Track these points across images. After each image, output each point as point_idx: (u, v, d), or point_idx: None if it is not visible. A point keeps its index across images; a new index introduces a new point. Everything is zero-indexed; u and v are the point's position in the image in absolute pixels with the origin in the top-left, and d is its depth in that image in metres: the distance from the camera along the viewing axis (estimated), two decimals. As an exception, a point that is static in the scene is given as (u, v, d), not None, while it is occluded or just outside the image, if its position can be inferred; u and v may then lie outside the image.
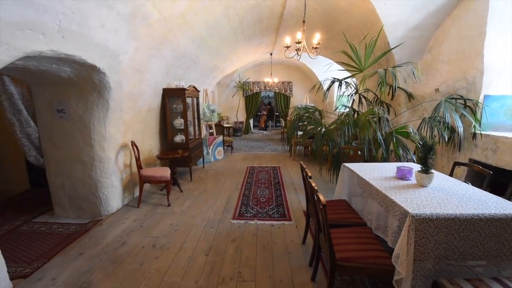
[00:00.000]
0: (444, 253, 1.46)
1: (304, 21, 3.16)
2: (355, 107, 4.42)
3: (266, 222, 2.98)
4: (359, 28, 4.19)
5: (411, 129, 3.09)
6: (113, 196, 3.22)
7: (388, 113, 4.37)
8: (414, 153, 3.35)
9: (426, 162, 1.80)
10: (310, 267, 2.13)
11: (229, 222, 3.00)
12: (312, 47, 3.16)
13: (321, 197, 1.53)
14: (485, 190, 1.88)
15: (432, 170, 1.89)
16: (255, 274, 2.09)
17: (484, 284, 1.35)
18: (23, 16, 1.63)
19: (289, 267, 2.18)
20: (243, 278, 2.05)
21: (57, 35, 1.91)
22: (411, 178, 2.00)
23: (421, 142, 1.86)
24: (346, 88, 4.44)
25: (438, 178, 2.07)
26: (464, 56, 3.44)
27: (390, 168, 2.34)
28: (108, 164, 3.12)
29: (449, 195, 1.70)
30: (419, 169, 1.89)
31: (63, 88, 2.78)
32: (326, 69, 5.61)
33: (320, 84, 4.83)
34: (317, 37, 3.05)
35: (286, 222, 2.97)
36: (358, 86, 4.03)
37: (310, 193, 1.94)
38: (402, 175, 2.04)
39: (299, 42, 2.99)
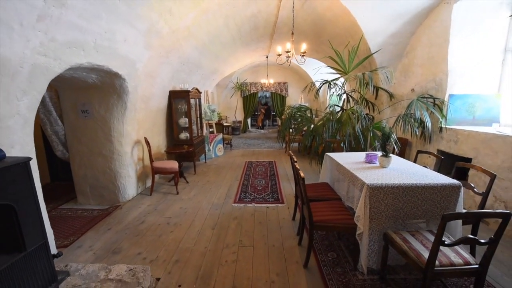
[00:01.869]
0: (393, 213, 1.97)
1: (292, 33, 3.67)
2: (345, 105, 4.93)
3: (262, 205, 3.48)
4: (344, 36, 4.70)
5: (384, 124, 3.60)
6: (129, 185, 3.71)
7: (373, 111, 4.90)
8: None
9: (385, 148, 2.31)
10: (298, 236, 2.63)
11: (230, 205, 3.50)
12: (300, 54, 3.66)
13: (301, 173, 2.04)
14: (438, 171, 2.39)
15: (391, 155, 2.39)
16: (253, 241, 2.59)
17: (419, 234, 1.85)
18: (72, 37, 2.12)
19: (281, 236, 2.69)
20: (243, 244, 2.55)
21: (93, 50, 2.40)
22: (376, 162, 2.51)
23: (381, 133, 2.37)
24: (334, 88, 4.95)
25: (398, 161, 2.58)
26: (433, 60, 3.97)
27: (362, 155, 2.84)
28: (125, 157, 3.60)
29: (401, 172, 2.21)
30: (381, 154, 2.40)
31: (87, 91, 3.25)
32: (317, 71, 6.11)
33: (312, 85, 5.35)
34: (303, 47, 3.56)
35: (279, 205, 3.48)
36: (345, 87, 4.53)
37: (296, 174, 2.44)
38: (369, 160, 2.55)
39: (288, 51, 3.49)
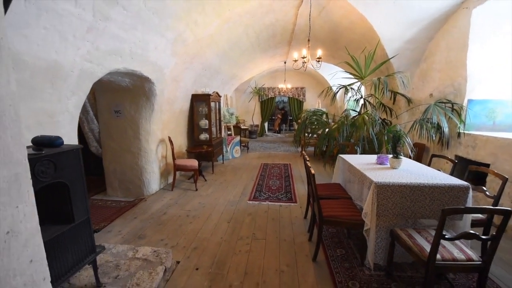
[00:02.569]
0: (400, 211, 2.05)
1: (309, 40, 3.84)
2: (362, 110, 4.98)
3: (276, 204, 3.63)
4: (360, 41, 4.78)
5: (399, 128, 3.62)
6: (153, 180, 4.01)
7: (391, 116, 4.91)
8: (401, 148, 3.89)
9: (395, 149, 2.39)
10: (308, 233, 2.75)
11: (245, 202, 3.68)
12: (316, 60, 3.81)
13: (312, 171, 2.18)
14: (452, 175, 2.42)
15: (402, 157, 2.46)
16: (265, 235, 2.75)
17: (425, 231, 1.92)
18: (112, 46, 2.44)
19: (292, 232, 2.82)
20: (256, 237, 2.72)
21: (128, 57, 2.72)
22: (387, 163, 2.58)
23: (393, 135, 2.45)
24: (351, 93, 5.02)
25: (409, 163, 2.64)
26: (452, 65, 3.95)
27: (374, 157, 2.91)
28: (151, 154, 3.92)
29: (410, 173, 2.28)
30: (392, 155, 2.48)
31: (120, 94, 3.62)
32: (333, 76, 6.19)
33: (329, 90, 5.45)
34: (319, 53, 3.71)
35: (292, 204, 3.61)
36: (358, 92, 4.60)
37: (307, 172, 2.57)
38: (380, 161, 2.62)
39: (304, 57, 3.66)
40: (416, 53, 4.57)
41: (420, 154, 4.46)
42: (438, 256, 1.60)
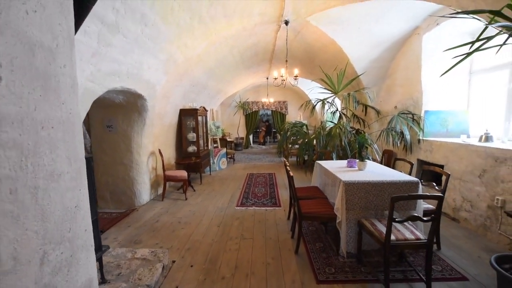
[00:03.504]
0: (365, 205, 2.43)
1: (286, 61, 4.32)
2: (341, 121, 5.48)
3: (262, 208, 3.93)
4: (333, 61, 5.36)
5: (367, 136, 4.11)
6: (144, 191, 4.19)
7: (364, 126, 5.46)
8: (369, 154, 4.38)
9: (361, 153, 2.82)
10: (291, 231, 3.06)
11: (233, 208, 3.95)
12: (293, 78, 4.28)
13: (290, 173, 2.53)
14: (410, 174, 2.86)
15: (367, 160, 2.89)
16: (252, 235, 3.03)
17: (385, 220, 2.30)
18: (112, 68, 2.73)
19: (277, 231, 3.12)
20: (244, 237, 2.99)
21: (125, 76, 3.01)
22: (355, 166, 3.00)
23: (360, 142, 2.88)
24: (327, 106, 5.53)
25: (374, 165, 3.07)
26: (410, 81, 4.56)
27: (345, 162, 3.33)
28: (142, 166, 4.12)
29: (373, 173, 2.70)
30: (358, 160, 2.90)
31: (113, 109, 3.85)
32: (311, 91, 6.75)
33: (307, 103, 5.95)
34: (296, 72, 4.18)
35: (276, 208, 3.92)
36: (332, 105, 5.11)
37: (288, 176, 2.92)
38: (350, 165, 3.04)
39: (282, 76, 4.12)
40: (381, 70, 5.20)
41: (389, 159, 4.98)
42: (393, 237, 1.97)
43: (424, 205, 2.63)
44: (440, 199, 1.85)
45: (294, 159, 8.35)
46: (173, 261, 2.49)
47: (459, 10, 2.66)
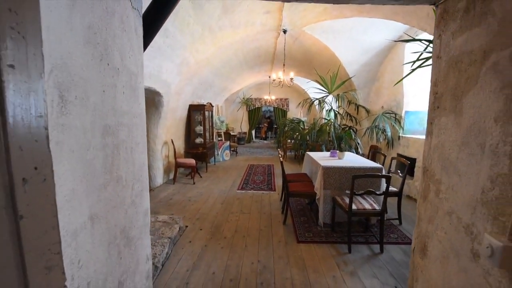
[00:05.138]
0: (339, 185, 3.06)
1: (284, 64, 4.91)
2: (338, 118, 6.07)
3: (259, 192, 4.58)
4: (327, 64, 5.93)
5: (352, 132, 4.71)
6: (158, 175, 4.87)
7: (356, 123, 6.05)
8: (352, 147, 5.00)
9: (340, 145, 3.43)
10: (282, 209, 3.70)
11: (235, 191, 4.60)
12: (290, 79, 4.88)
13: (281, 158, 3.16)
14: (383, 165, 3.47)
15: (345, 152, 3.50)
16: (250, 211, 3.68)
17: (355, 197, 2.92)
18: (138, 71, 3.37)
19: (270, 208, 3.77)
20: (243, 212, 3.64)
21: (148, 78, 3.65)
22: (336, 156, 3.61)
23: (336, 135, 3.49)
24: (323, 105, 6.14)
25: (351, 155, 3.69)
26: (391, 83, 5.12)
27: (329, 153, 3.95)
28: (157, 153, 4.79)
29: (349, 161, 3.31)
30: (338, 150, 3.51)
31: (134, 104, 4.50)
32: (307, 89, 7.33)
33: (304, 102, 6.55)
34: (291, 75, 4.78)
35: (271, 192, 4.57)
36: (325, 103, 5.71)
37: (281, 164, 3.55)
38: (332, 155, 3.65)
39: (279, 78, 4.72)
40: (371, 74, 5.76)
41: (374, 154, 5.58)
42: (355, 207, 2.60)
43: (392, 188, 3.24)
44: (388, 178, 2.47)
45: (293, 153, 8.98)
46: (186, 226, 3.16)
47: (421, 30, 3.24)
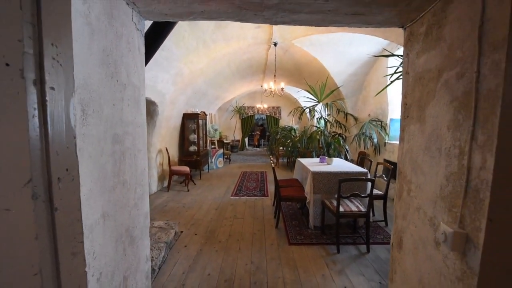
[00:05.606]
0: (328, 189, 3.22)
1: (275, 75, 5.14)
2: (328, 126, 6.31)
3: (252, 198, 4.70)
4: (317, 74, 6.21)
5: (340, 140, 4.93)
6: (153, 183, 4.93)
7: (345, 131, 6.29)
8: (341, 153, 5.22)
9: (328, 152, 3.62)
10: (274, 213, 3.83)
11: (228, 197, 4.71)
12: (281, 89, 5.10)
13: (273, 164, 3.32)
14: (369, 170, 3.66)
15: (334, 158, 3.69)
16: (243, 216, 3.80)
17: (342, 200, 3.09)
18: (135, 82, 3.51)
19: (263, 213, 3.89)
20: (236, 217, 3.75)
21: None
22: (325, 162, 3.80)
23: (327, 142, 3.69)
24: (313, 113, 6.37)
25: (339, 161, 3.88)
26: (380, 94, 5.40)
27: (319, 159, 4.13)
28: (151, 162, 4.87)
29: (337, 166, 3.49)
30: (327, 156, 3.70)
31: (129, 113, 4.61)
32: (298, 98, 7.59)
33: (295, 110, 6.78)
34: (282, 85, 5.01)
35: (264, 197, 4.70)
36: (314, 111, 5.95)
37: (273, 171, 3.70)
38: (321, 161, 3.84)
39: (270, 88, 4.94)
40: (358, 83, 6.06)
41: (362, 160, 5.81)
42: (342, 209, 2.76)
43: (378, 191, 3.43)
44: (372, 182, 2.65)
45: (285, 161, 9.15)
46: (181, 231, 3.24)
47: (399, 45, 3.51)
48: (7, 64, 0.57)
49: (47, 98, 0.68)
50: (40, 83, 0.67)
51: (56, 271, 0.72)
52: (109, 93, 1.14)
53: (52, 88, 0.70)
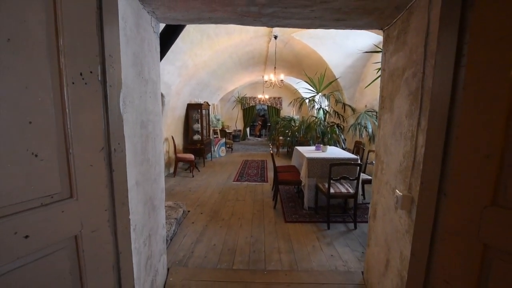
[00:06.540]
0: (321, 173, 3.54)
1: (275, 67, 5.37)
2: (327, 116, 6.55)
3: (253, 183, 5.04)
4: (316, 65, 6.41)
5: (336, 129, 5.21)
6: (160, 169, 5.28)
7: (343, 121, 6.55)
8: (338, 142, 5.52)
9: (323, 140, 3.91)
10: (273, 196, 4.18)
11: (231, 182, 5.06)
12: (280, 81, 5.35)
13: (271, 151, 3.63)
14: (362, 156, 3.96)
15: (328, 146, 3.98)
16: (244, 198, 4.15)
17: (333, 183, 3.41)
18: (144, 74, 3.78)
19: (262, 196, 4.24)
20: (238, 199, 4.10)
21: (152, 80, 4.06)
22: (320, 149, 4.10)
23: (322, 132, 3.97)
24: (314, 103, 6.62)
25: (334, 149, 4.18)
26: (375, 85, 5.62)
27: (315, 147, 4.43)
28: (158, 149, 5.20)
29: (331, 153, 3.80)
30: (322, 144, 4.00)
31: (137, 103, 4.90)
32: (301, 89, 7.82)
33: (295, 101, 7.03)
34: (281, 77, 5.24)
35: (264, 183, 5.04)
36: (313, 101, 6.20)
37: (272, 158, 4.01)
38: (317, 148, 4.14)
39: (270, 80, 5.18)
40: (356, 75, 6.27)
41: (358, 149, 6.10)
42: (333, 191, 3.08)
43: (368, 177, 3.74)
44: (360, 166, 2.96)
45: (286, 150, 9.46)
46: (188, 211, 3.60)
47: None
48: (91, 72, 0.87)
49: (107, 93, 0.99)
50: (103, 82, 0.97)
51: (113, 211, 1.04)
52: (137, 88, 1.44)
53: (111, 86, 1.01)
